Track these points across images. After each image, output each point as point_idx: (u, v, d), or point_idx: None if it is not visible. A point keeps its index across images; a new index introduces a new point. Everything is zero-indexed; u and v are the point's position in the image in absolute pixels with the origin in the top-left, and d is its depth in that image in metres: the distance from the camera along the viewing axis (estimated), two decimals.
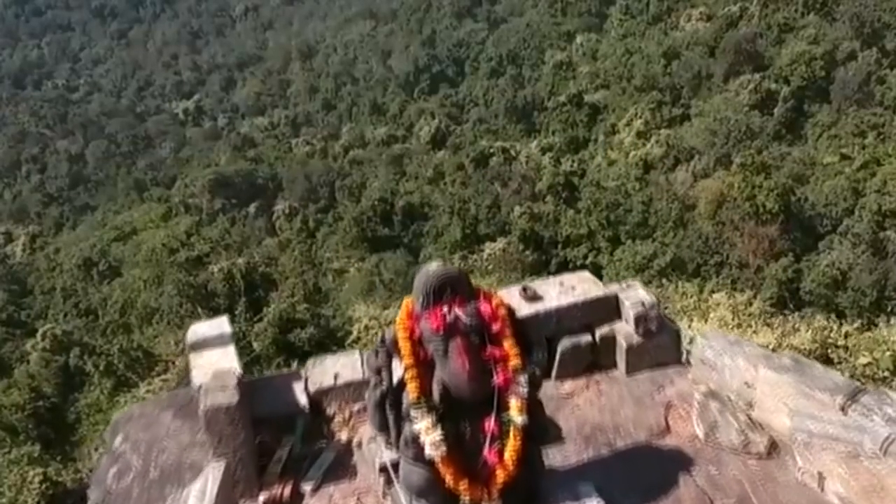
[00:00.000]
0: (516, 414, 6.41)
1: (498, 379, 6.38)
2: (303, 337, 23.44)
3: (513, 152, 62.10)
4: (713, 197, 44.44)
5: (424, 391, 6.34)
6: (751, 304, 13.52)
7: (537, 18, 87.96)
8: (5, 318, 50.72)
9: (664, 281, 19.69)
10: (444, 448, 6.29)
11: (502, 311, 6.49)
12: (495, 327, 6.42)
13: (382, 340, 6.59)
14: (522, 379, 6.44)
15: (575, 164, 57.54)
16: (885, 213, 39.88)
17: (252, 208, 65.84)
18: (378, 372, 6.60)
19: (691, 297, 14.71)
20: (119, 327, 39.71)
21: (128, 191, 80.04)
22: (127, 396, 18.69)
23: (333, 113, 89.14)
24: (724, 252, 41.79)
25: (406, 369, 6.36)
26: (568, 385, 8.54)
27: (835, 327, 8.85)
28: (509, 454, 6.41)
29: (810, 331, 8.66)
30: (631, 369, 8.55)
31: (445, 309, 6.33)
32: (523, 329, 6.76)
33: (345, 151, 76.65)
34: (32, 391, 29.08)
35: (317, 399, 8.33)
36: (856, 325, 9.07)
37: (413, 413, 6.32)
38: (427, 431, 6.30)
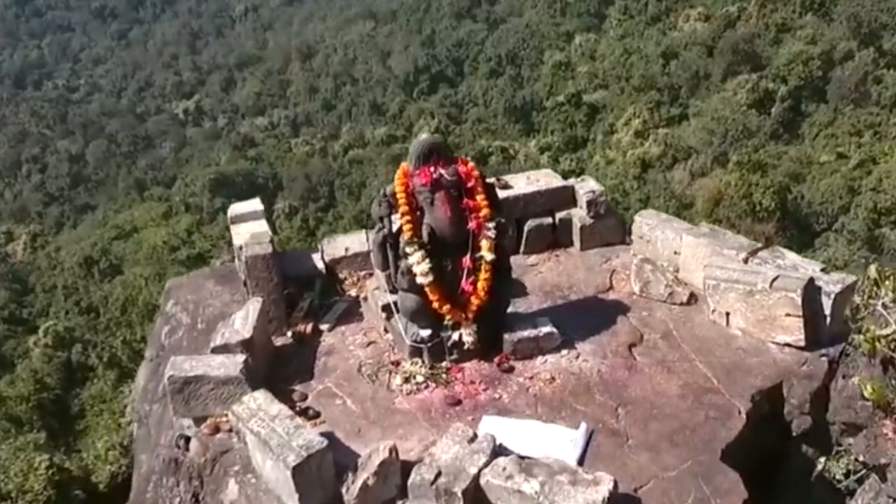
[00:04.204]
0: (487, 252, 8.11)
1: (472, 224, 8.12)
2: None
3: (512, 151, 62.32)
4: (710, 195, 44.66)
5: (416, 232, 8.04)
6: None
7: (536, 19, 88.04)
8: (7, 315, 50.89)
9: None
10: (431, 276, 8.01)
11: (476, 173, 8.33)
12: (470, 184, 8.21)
13: (384, 194, 8.23)
14: (491, 224, 8.14)
15: (573, 163, 57.75)
16: (880, 210, 40.16)
17: None
18: (381, 219, 8.28)
19: None
20: (120, 324, 39.91)
21: (128, 190, 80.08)
22: (131, 387, 18.92)
23: (333, 113, 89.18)
24: None
25: (402, 215, 8.06)
26: (533, 258, 10.34)
27: None
28: (481, 284, 8.14)
29: None
30: (584, 246, 10.38)
31: (432, 168, 8.08)
32: (492, 190, 8.54)
33: (344, 151, 76.73)
34: (37, 383, 29.26)
35: (331, 266, 10.10)
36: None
37: (407, 249, 8.04)
38: (418, 263, 7.98)
